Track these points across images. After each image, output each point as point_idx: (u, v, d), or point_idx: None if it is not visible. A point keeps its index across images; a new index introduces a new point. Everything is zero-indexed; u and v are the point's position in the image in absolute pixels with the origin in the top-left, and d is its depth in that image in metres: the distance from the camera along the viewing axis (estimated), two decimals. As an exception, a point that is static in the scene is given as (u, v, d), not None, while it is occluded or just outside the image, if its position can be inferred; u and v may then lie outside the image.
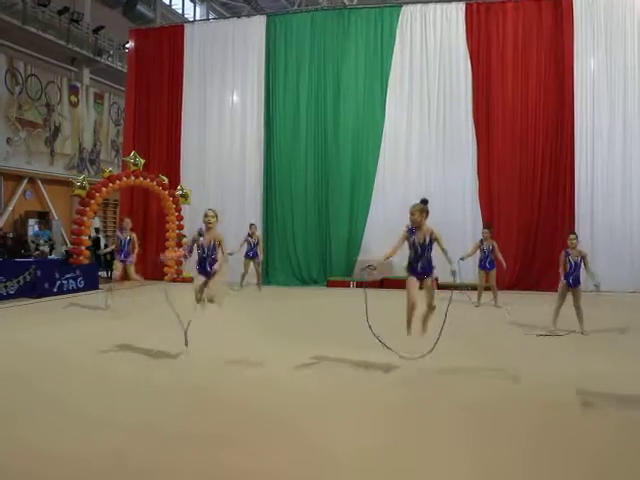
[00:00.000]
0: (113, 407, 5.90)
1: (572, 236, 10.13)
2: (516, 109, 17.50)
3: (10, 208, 24.48)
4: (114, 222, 27.77)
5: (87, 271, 16.42)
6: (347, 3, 26.53)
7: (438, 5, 18.59)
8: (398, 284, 16.84)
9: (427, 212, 7.45)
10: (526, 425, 5.44)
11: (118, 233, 12.95)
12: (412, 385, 6.82)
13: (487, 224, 14.66)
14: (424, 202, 7.50)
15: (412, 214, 7.40)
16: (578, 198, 17.01)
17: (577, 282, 9.91)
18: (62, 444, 4.96)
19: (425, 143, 18.19)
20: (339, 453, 4.75)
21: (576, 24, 17.17)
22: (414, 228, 7.40)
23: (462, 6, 18.23)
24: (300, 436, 5.13)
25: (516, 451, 4.84)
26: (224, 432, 5.22)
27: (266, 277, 18.46)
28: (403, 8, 18.75)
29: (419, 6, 18.76)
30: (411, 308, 7.39)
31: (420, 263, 7.38)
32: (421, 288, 7.46)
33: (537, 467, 4.54)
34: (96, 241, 23.99)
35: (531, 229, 17.08)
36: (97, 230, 25.94)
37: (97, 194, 16.96)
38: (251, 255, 15.60)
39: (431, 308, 7.48)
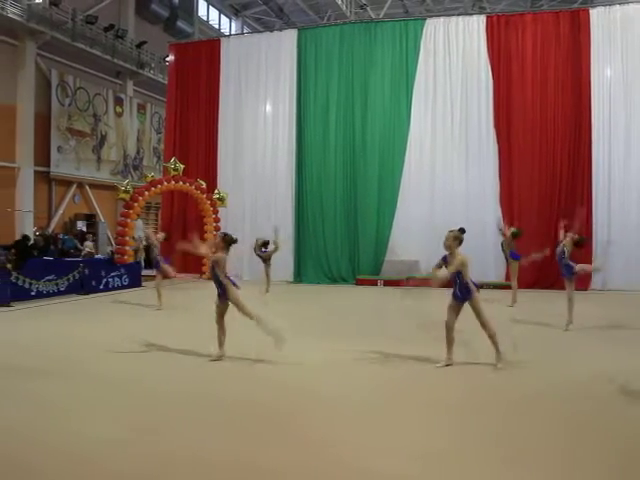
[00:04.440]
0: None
1: None
2: (535, 116, 17.29)
3: (60, 211, 24.83)
4: (155, 224, 27.99)
5: (131, 270, 16.60)
6: (374, 17, 26.47)
7: (460, 18, 18.51)
8: (422, 283, 16.78)
9: (460, 240, 7.12)
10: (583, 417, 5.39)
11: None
12: (457, 381, 6.72)
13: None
14: (461, 231, 7.18)
15: (446, 239, 7.08)
16: (595, 202, 16.77)
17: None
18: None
19: (448, 149, 18.06)
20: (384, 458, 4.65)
21: (593, 34, 16.92)
22: (447, 255, 7.08)
23: (483, 19, 18.08)
24: (335, 437, 5.07)
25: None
26: (263, 434, 5.15)
27: (297, 276, 18.58)
28: (427, 21, 18.67)
29: (442, 19, 18.72)
30: (447, 330, 7.20)
31: (457, 288, 7.12)
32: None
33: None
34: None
35: (550, 231, 16.77)
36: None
37: (140, 198, 17.15)
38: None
39: (486, 328, 7.12)
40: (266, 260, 14.84)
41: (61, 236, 22.85)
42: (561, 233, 10.02)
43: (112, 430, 5.00)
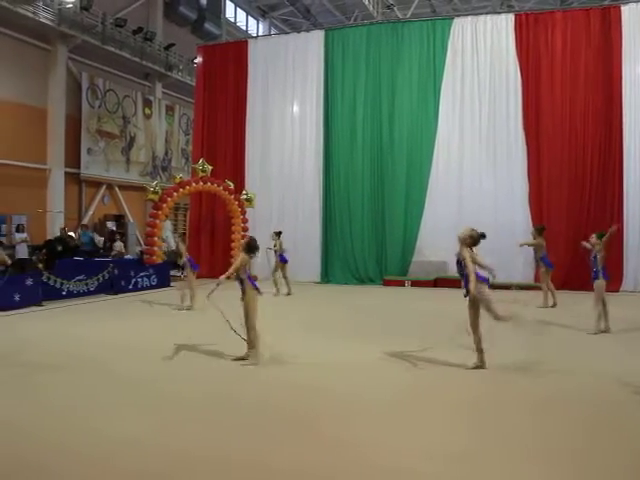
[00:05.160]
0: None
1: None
2: (565, 116, 17.05)
3: (90, 212, 25.12)
4: (184, 225, 28.15)
5: (160, 270, 16.73)
6: (401, 17, 26.36)
7: (488, 17, 18.33)
8: (451, 283, 16.62)
9: (473, 241, 7.12)
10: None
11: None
12: (478, 382, 6.75)
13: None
14: (482, 236, 7.17)
15: (462, 232, 7.19)
16: (627, 202, 16.47)
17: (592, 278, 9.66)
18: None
19: (476, 149, 17.91)
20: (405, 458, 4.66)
21: (624, 31, 16.61)
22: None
23: (511, 17, 17.90)
24: (363, 438, 5.06)
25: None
26: (287, 435, 5.18)
27: (325, 276, 18.60)
28: (455, 20, 18.54)
29: (469, 18, 18.57)
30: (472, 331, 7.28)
31: (463, 282, 7.17)
32: None
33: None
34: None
35: (580, 231, 16.46)
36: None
37: (169, 199, 17.26)
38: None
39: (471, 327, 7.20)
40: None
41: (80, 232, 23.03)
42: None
43: (130, 429, 5.05)
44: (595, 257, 9.56)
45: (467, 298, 7.16)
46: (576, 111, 17.00)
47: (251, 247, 7.75)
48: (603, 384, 6.56)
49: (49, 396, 6.08)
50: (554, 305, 12.81)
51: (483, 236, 7.19)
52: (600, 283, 9.52)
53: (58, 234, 20.37)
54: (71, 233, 21.54)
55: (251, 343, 7.51)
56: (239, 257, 7.68)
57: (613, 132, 16.64)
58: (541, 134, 17.24)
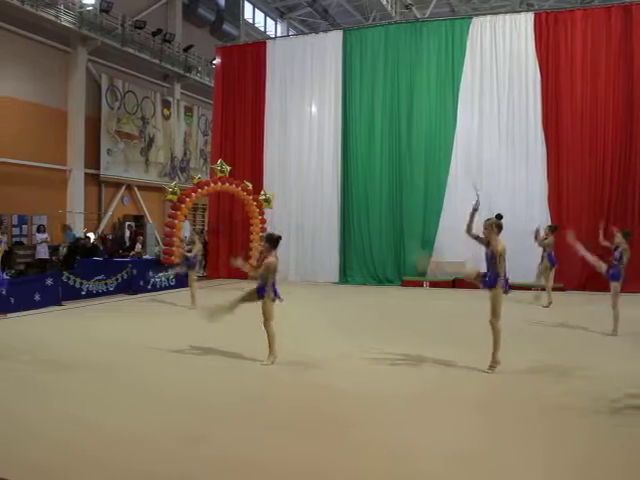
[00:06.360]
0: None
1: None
2: (585, 115, 16.87)
3: (110, 212, 25.29)
4: (202, 225, 28.25)
5: (178, 270, 16.78)
6: (419, 16, 26.24)
7: (507, 16, 18.20)
8: (470, 284, 16.47)
9: (500, 227, 7.06)
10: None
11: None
12: (495, 385, 6.71)
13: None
14: (498, 217, 7.13)
15: (484, 228, 7.11)
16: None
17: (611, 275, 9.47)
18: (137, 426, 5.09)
19: (495, 149, 17.76)
20: (421, 458, 4.64)
21: (647, 29, 16.40)
22: (487, 242, 7.10)
23: (531, 16, 17.74)
24: (379, 439, 5.04)
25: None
26: (301, 433, 5.18)
27: (344, 276, 18.54)
28: (473, 20, 18.43)
29: (489, 17, 18.43)
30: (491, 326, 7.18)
31: (487, 274, 7.08)
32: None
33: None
34: None
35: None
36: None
37: (187, 199, 17.30)
38: None
39: (490, 321, 7.09)
40: None
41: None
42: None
43: (159, 436, 5.02)
44: (621, 257, 9.40)
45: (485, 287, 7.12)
46: (597, 111, 16.80)
47: (277, 241, 7.58)
48: (620, 387, 6.47)
49: (57, 395, 6.09)
50: (549, 304, 12.85)
51: (500, 216, 7.15)
52: (618, 285, 9.40)
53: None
54: (90, 234, 21.68)
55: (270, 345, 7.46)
56: (271, 261, 7.42)
57: (634, 131, 16.42)
58: (561, 134, 17.07)
